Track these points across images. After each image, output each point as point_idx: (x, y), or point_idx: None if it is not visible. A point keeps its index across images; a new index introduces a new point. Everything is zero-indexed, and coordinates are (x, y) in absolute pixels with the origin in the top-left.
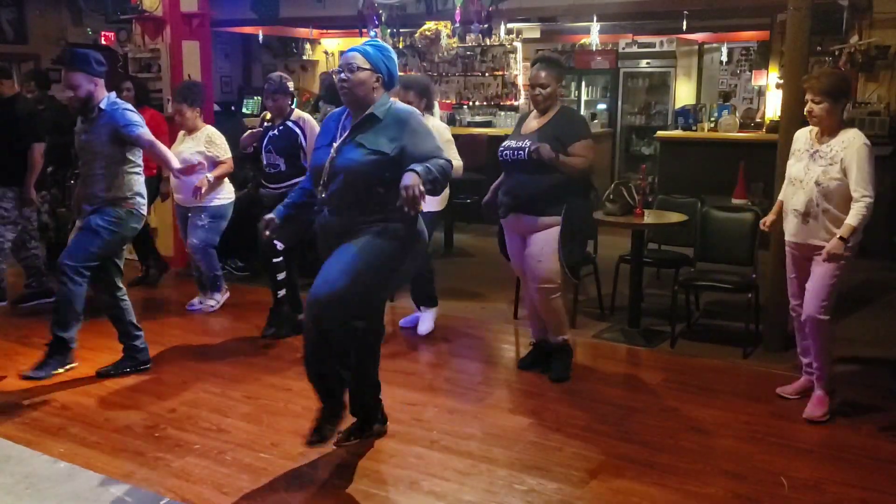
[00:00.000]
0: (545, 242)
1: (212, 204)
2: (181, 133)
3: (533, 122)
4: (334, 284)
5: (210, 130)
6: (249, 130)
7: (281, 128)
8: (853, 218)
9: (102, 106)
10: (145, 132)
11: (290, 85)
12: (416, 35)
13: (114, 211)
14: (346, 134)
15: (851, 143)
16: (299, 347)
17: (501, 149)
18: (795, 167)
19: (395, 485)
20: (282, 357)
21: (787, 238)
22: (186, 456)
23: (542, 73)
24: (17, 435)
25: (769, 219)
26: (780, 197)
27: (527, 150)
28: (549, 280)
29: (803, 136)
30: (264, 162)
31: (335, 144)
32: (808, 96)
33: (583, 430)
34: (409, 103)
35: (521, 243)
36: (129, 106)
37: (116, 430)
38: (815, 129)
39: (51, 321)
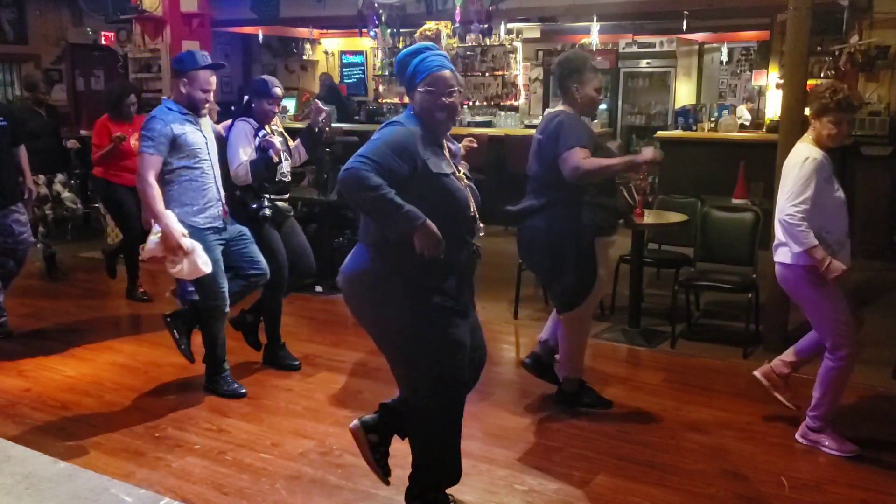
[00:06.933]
0: None
1: None
2: None
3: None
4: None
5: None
6: (266, 138)
7: (276, 132)
8: None
9: None
10: None
11: None
12: (416, 35)
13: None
14: (450, 161)
15: None
16: (298, 349)
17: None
18: (840, 191)
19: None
20: None
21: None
22: (186, 456)
23: None
24: (17, 435)
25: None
26: (823, 231)
27: None
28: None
29: (826, 158)
30: (284, 170)
31: (459, 176)
32: (847, 118)
33: (583, 430)
34: None
35: None
36: None
37: (116, 430)
38: (822, 147)
39: None
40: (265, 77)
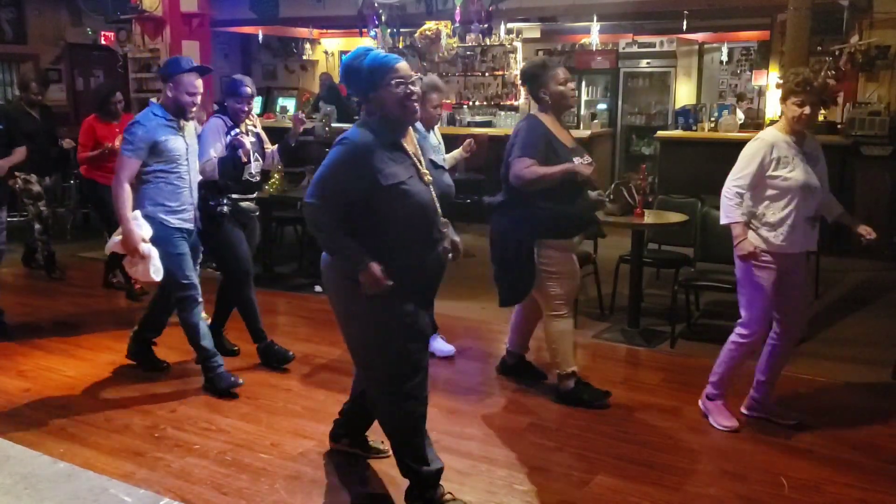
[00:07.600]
0: None
1: None
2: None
3: (564, 133)
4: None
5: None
6: (236, 137)
7: (251, 133)
8: (840, 207)
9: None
10: None
11: None
12: (416, 35)
13: None
14: (419, 157)
15: (815, 140)
16: (297, 349)
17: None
18: (797, 173)
19: (395, 485)
20: None
21: (787, 251)
22: (186, 456)
23: None
24: (17, 435)
25: (753, 248)
26: (769, 212)
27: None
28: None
29: (782, 141)
30: (252, 171)
31: (423, 172)
32: (809, 100)
33: (583, 430)
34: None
35: None
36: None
37: (116, 430)
38: (789, 132)
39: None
40: (236, 76)
